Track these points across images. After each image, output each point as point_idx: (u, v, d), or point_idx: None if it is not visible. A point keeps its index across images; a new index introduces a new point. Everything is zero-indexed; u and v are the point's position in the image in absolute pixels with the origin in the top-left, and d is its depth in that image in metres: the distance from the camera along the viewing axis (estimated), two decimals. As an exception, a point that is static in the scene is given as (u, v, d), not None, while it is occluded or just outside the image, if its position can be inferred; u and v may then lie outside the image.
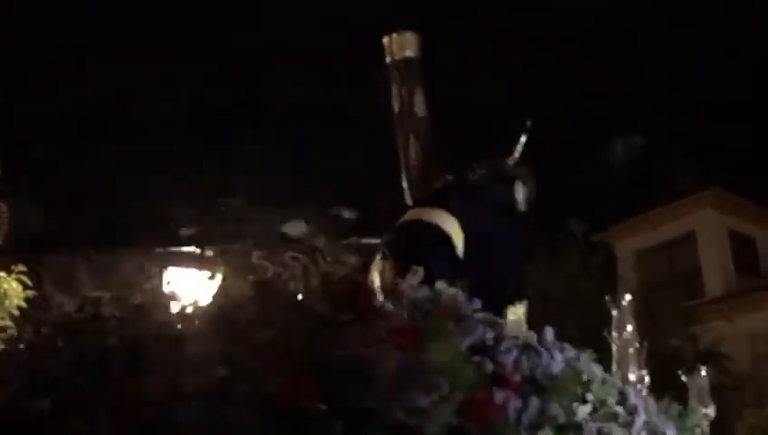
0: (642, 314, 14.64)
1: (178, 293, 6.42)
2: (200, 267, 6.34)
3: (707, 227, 18.70)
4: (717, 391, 13.99)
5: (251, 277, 3.10)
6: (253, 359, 2.51)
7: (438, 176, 4.36)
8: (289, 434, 2.36)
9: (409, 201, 4.50)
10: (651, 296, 15.11)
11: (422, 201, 4.22)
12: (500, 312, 3.22)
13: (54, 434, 2.48)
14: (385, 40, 4.69)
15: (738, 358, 15.26)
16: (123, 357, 2.71)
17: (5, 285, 4.38)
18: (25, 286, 5.15)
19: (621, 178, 20.66)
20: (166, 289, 6.39)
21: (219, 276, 6.21)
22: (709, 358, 14.21)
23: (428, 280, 2.94)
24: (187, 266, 5.09)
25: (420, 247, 3.68)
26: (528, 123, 4.49)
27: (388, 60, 4.69)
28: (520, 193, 4.25)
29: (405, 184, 4.59)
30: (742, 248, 18.83)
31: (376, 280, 3.65)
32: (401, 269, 3.25)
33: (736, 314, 16.91)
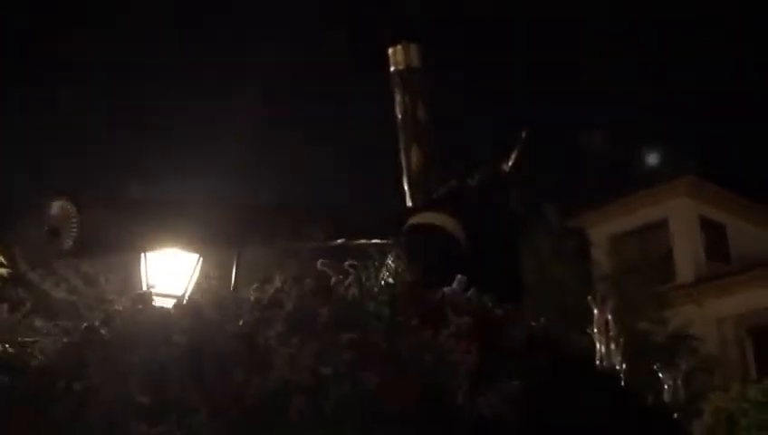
0: (615, 297, 14.92)
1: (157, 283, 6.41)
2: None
3: (680, 213, 19.04)
4: (686, 373, 14.29)
5: (311, 280, 3.32)
6: (342, 359, 2.78)
7: (440, 180, 4.62)
8: (386, 431, 2.63)
9: (410, 203, 4.74)
10: (624, 281, 15.40)
11: (428, 205, 4.47)
12: (507, 299, 3.46)
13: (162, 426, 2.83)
14: (390, 50, 4.91)
15: (707, 341, 15.64)
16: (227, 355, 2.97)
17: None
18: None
19: (597, 165, 20.95)
20: (147, 281, 6.38)
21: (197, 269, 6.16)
22: (679, 341, 14.57)
23: (439, 279, 3.23)
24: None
25: (431, 249, 3.99)
26: (524, 133, 4.70)
27: (392, 68, 4.90)
28: (516, 197, 4.57)
29: (406, 186, 4.81)
30: (713, 235, 19.21)
31: (389, 280, 3.85)
32: (414, 270, 3.69)
33: (706, 299, 17.31)
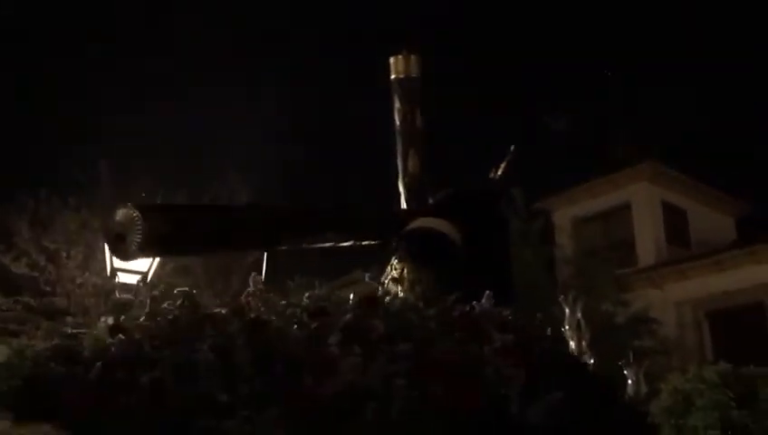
0: (578, 280, 15.16)
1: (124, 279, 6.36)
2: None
3: (642, 198, 19.31)
4: (646, 355, 14.57)
5: (359, 293, 3.57)
6: (405, 368, 3.14)
7: (435, 185, 5.00)
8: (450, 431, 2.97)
9: (404, 205, 5.03)
10: (586, 263, 15.62)
11: (427, 210, 4.84)
12: (499, 303, 3.95)
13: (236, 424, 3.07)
14: (391, 60, 5.18)
15: (666, 323, 15.96)
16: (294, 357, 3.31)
17: None
18: None
19: (562, 149, 21.10)
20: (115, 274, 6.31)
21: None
22: (639, 323, 14.84)
23: (439, 279, 3.82)
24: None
25: (431, 251, 4.40)
26: (512, 149, 5.35)
27: (392, 77, 5.17)
28: (506, 205, 4.99)
29: (402, 189, 5.10)
30: (674, 220, 19.53)
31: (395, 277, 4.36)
32: (415, 272, 4.15)
33: (666, 283, 17.63)
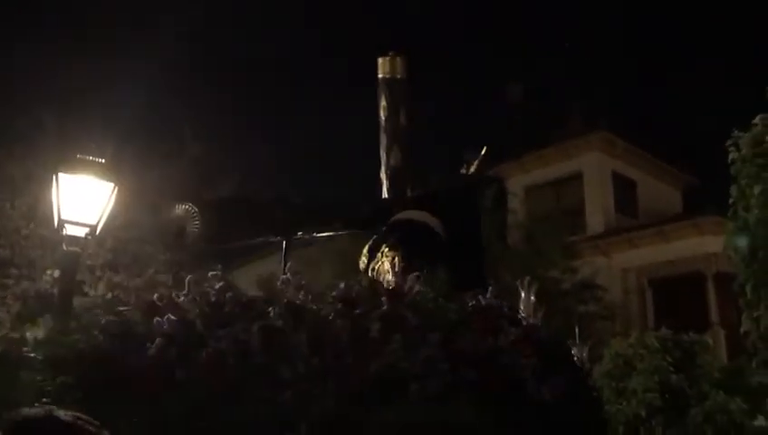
0: (528, 246, 15.37)
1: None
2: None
3: (593, 168, 19.62)
4: (591, 320, 14.93)
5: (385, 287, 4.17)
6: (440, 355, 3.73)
7: (416, 178, 5.52)
8: (485, 410, 3.55)
9: (386, 195, 5.42)
10: (537, 230, 15.86)
11: (412, 203, 5.28)
12: (475, 283, 4.57)
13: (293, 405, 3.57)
14: (379, 60, 5.51)
15: (611, 290, 16.37)
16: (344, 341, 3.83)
17: None
18: None
19: (517, 117, 21.23)
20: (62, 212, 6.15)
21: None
22: (585, 289, 15.19)
23: (424, 265, 4.24)
24: None
25: (418, 241, 4.88)
26: (484, 150, 6.12)
27: (379, 76, 5.52)
28: (481, 197, 5.56)
29: (384, 181, 5.47)
30: (624, 190, 19.91)
31: (387, 266, 4.90)
32: (405, 259, 4.69)
33: (613, 251, 18.05)
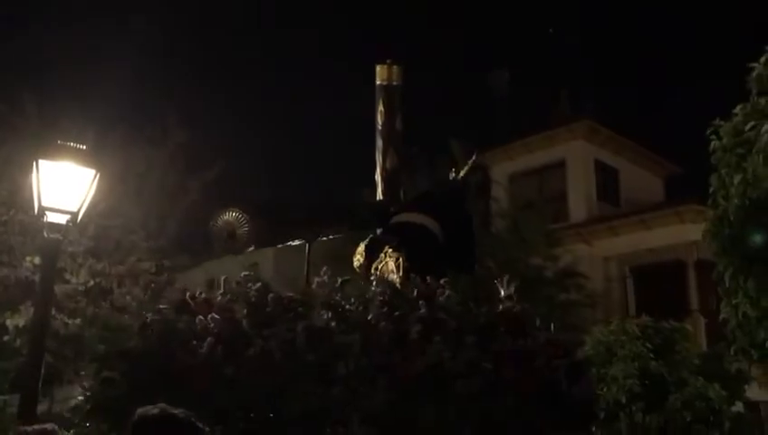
0: (511, 233, 15.43)
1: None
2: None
3: (577, 156, 19.70)
4: (573, 308, 15.03)
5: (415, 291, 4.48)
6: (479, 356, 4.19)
7: (409, 180, 5.94)
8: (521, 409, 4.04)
9: (380, 195, 5.77)
10: (521, 218, 15.92)
11: (410, 206, 5.71)
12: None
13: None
14: (377, 68, 5.80)
15: (593, 278, 16.48)
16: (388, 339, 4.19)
17: None
18: None
19: (502, 105, 21.27)
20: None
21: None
22: (567, 277, 15.28)
23: (423, 262, 4.83)
24: None
25: (417, 242, 5.34)
26: (474, 155, 6.75)
27: (377, 82, 5.80)
28: (468, 200, 6.24)
29: (379, 182, 5.79)
30: (606, 178, 20.02)
31: (392, 266, 5.29)
32: (408, 259, 5.13)
33: (595, 239, 18.17)
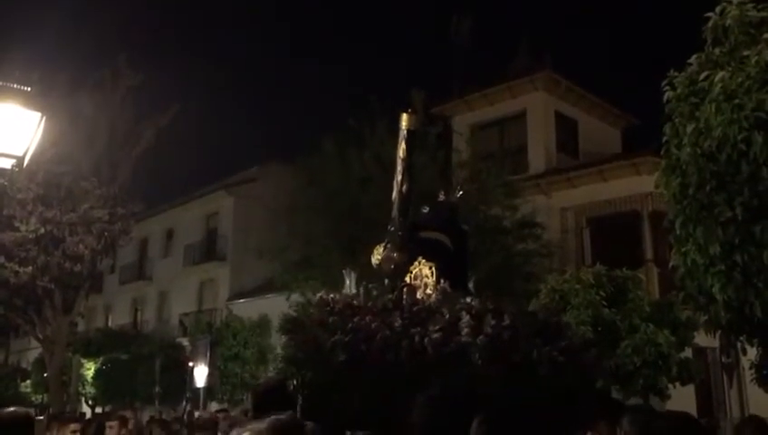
0: (472, 184, 15.51)
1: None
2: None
3: (537, 107, 19.76)
4: (530, 257, 15.28)
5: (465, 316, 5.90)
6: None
7: (420, 204, 7.38)
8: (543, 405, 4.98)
9: (395, 214, 7.11)
10: (480, 168, 15.97)
11: (427, 224, 7.21)
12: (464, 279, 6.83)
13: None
14: (403, 115, 7.26)
15: (550, 229, 16.70)
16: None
17: None
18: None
19: (463, 56, 21.12)
20: None
21: None
22: (525, 227, 15.45)
23: (443, 270, 6.59)
24: None
25: (438, 252, 6.90)
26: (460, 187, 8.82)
27: (402, 127, 7.24)
28: (463, 219, 7.78)
29: (395, 206, 7.11)
30: (565, 130, 20.15)
31: (426, 271, 6.84)
32: (435, 268, 6.74)
33: (553, 190, 18.36)
